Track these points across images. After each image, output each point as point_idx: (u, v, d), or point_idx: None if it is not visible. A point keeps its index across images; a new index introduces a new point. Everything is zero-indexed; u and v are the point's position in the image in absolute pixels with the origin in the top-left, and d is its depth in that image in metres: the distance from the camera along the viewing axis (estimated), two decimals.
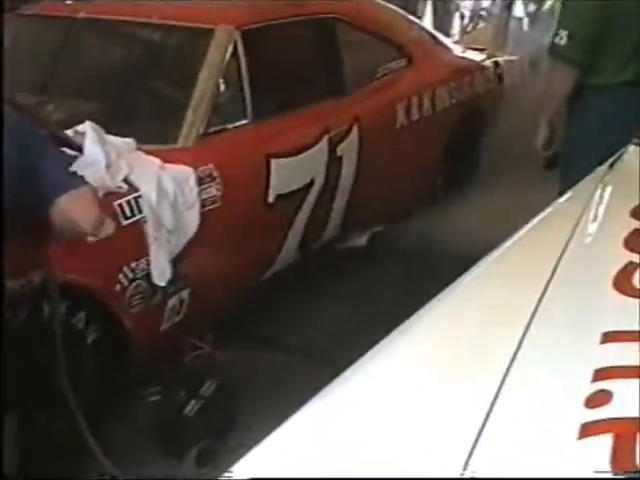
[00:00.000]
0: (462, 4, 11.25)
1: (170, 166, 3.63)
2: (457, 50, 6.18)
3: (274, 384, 3.72)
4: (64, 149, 3.34)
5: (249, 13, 4.44)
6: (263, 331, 4.27)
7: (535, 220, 2.51)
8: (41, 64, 4.55)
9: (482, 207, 5.11)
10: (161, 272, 3.50)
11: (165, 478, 3.27)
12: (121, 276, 3.37)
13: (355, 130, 4.73)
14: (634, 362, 1.56)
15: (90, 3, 4.64)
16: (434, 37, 6.09)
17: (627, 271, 1.99)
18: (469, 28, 10.63)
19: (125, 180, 3.44)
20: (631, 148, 3.06)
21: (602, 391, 1.46)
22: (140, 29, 4.53)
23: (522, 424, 1.44)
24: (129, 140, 3.65)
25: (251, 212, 4.08)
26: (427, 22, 9.87)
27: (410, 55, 5.45)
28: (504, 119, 6.27)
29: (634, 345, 1.62)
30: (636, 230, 2.27)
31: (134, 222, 3.41)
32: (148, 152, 3.66)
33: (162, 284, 3.53)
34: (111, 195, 3.37)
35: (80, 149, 3.37)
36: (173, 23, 4.29)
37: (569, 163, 3.99)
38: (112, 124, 3.70)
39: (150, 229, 3.45)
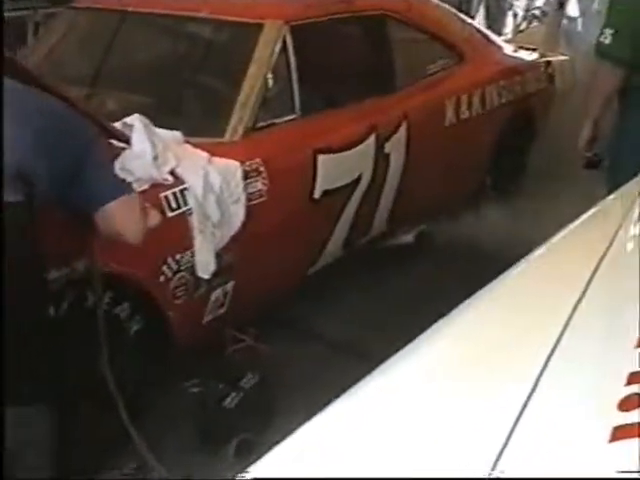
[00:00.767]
0: (515, 3, 11.18)
1: (217, 160, 3.65)
2: (509, 49, 6.14)
3: (315, 378, 3.73)
4: (113, 141, 3.37)
5: (299, 8, 4.44)
6: (306, 325, 4.29)
7: (578, 221, 2.49)
8: (91, 56, 4.59)
9: (529, 208, 5.09)
10: (205, 265, 3.52)
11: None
12: (165, 267, 3.39)
13: (403, 127, 4.71)
14: None
15: None
16: (486, 36, 6.06)
17: None
18: (522, 27, 10.54)
19: (172, 172, 3.47)
20: None
21: (636, 394, 1.45)
22: (189, 23, 4.55)
23: (554, 425, 1.43)
24: (177, 133, 3.68)
25: (297, 207, 4.09)
26: (480, 21, 9.83)
27: (461, 53, 5.43)
28: (555, 119, 6.22)
29: None
30: None
31: (180, 214, 3.43)
32: (195, 145, 3.68)
33: (206, 277, 3.54)
34: (157, 187, 3.39)
35: (128, 141, 3.40)
36: (222, 17, 4.31)
37: (616, 164, 3.96)
38: (160, 117, 3.72)
39: (195, 222, 3.47)
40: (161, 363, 3.55)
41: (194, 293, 3.55)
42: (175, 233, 3.43)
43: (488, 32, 6.36)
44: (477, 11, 10.97)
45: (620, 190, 2.81)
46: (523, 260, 2.23)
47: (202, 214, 3.49)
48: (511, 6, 11.24)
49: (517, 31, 10.30)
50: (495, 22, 10.56)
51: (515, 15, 11.25)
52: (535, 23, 10.21)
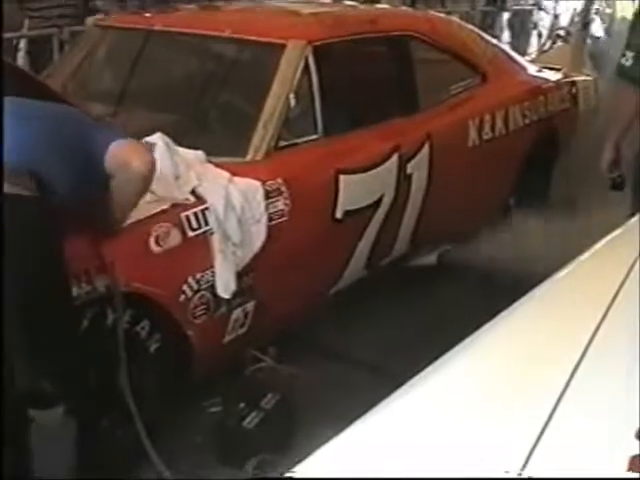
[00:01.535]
0: (540, 23, 11.19)
1: (238, 179, 3.65)
2: (533, 69, 6.12)
3: (336, 399, 3.71)
4: None
5: (322, 28, 4.45)
6: (326, 346, 4.27)
7: (601, 243, 2.48)
8: (115, 75, 4.62)
9: (553, 228, 5.06)
10: (226, 284, 3.51)
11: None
12: (186, 287, 3.39)
13: (426, 148, 4.70)
14: None
15: (165, 16, 4.70)
16: (510, 56, 6.04)
17: None
18: (546, 47, 10.54)
19: (193, 192, 3.47)
20: None
21: None
22: (213, 43, 4.56)
23: (571, 452, 1.42)
24: (199, 152, 3.69)
25: (318, 227, 4.08)
26: (504, 40, 9.83)
27: (484, 73, 5.41)
28: (579, 140, 6.19)
29: None
30: None
31: (200, 234, 3.44)
32: (217, 165, 3.69)
33: (226, 296, 3.54)
34: (179, 206, 3.40)
35: None
36: (246, 37, 4.31)
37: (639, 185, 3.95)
38: (183, 136, 3.74)
39: (216, 241, 3.47)
40: (181, 382, 3.55)
41: (214, 313, 3.55)
42: (196, 253, 3.44)
43: (512, 52, 6.35)
44: (501, 31, 10.98)
45: None
46: (545, 283, 2.21)
47: (223, 234, 3.49)
48: (535, 26, 11.26)
49: (541, 51, 10.28)
50: (519, 42, 10.58)
51: (539, 35, 11.27)
52: (559, 43, 10.19)
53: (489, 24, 10.38)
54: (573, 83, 6.29)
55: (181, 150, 3.58)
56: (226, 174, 3.64)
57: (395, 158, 4.48)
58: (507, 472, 1.36)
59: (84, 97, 4.21)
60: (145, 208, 3.27)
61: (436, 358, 1.84)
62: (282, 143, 3.98)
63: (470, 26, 5.87)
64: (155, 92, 4.52)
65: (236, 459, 3.43)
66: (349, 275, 4.41)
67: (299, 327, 4.08)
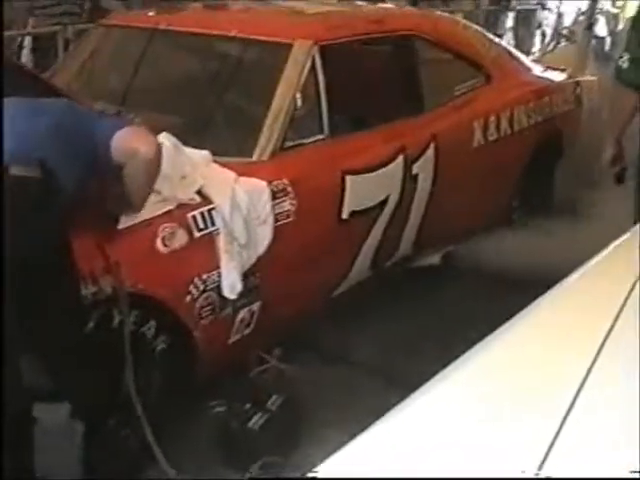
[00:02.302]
0: (544, 22, 11.18)
1: (244, 180, 3.65)
2: (537, 69, 6.11)
3: (340, 401, 3.72)
4: None
5: (327, 28, 4.45)
6: (331, 347, 4.26)
7: (610, 247, 2.48)
8: (120, 74, 4.61)
9: (558, 228, 5.06)
10: (232, 285, 3.51)
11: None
12: (192, 287, 3.39)
13: (431, 148, 4.70)
14: None
15: (170, 15, 4.69)
16: (514, 56, 6.03)
17: None
18: (550, 47, 10.53)
19: (199, 192, 3.47)
20: None
21: None
22: (219, 42, 4.55)
23: (588, 451, 1.42)
24: (205, 152, 3.68)
25: (324, 228, 4.08)
26: (509, 40, 9.82)
27: (489, 74, 5.40)
28: (583, 140, 6.18)
29: None
30: None
31: (207, 234, 3.44)
32: (223, 165, 3.69)
33: (232, 297, 3.54)
34: (185, 207, 3.40)
35: None
36: (252, 37, 4.30)
37: None
38: (189, 136, 3.73)
39: (222, 242, 3.47)
40: (186, 382, 3.54)
41: (220, 313, 3.55)
42: (202, 253, 3.43)
43: (517, 52, 6.34)
44: (505, 30, 10.97)
45: None
46: (553, 290, 2.21)
47: (229, 234, 3.49)
48: (540, 26, 11.25)
49: (545, 51, 10.28)
50: (524, 42, 10.57)
51: (544, 35, 11.26)
52: (564, 43, 10.20)
53: (493, 23, 10.37)
54: (577, 83, 6.28)
55: (187, 150, 3.57)
56: (232, 174, 3.64)
57: (401, 159, 4.48)
58: (523, 472, 1.36)
59: (88, 96, 4.20)
60: (151, 208, 3.27)
61: (440, 361, 1.84)
62: (288, 143, 3.98)
63: (475, 26, 5.85)
64: (161, 92, 4.50)
65: (241, 460, 3.42)
66: (354, 275, 4.40)
67: (305, 328, 4.07)
